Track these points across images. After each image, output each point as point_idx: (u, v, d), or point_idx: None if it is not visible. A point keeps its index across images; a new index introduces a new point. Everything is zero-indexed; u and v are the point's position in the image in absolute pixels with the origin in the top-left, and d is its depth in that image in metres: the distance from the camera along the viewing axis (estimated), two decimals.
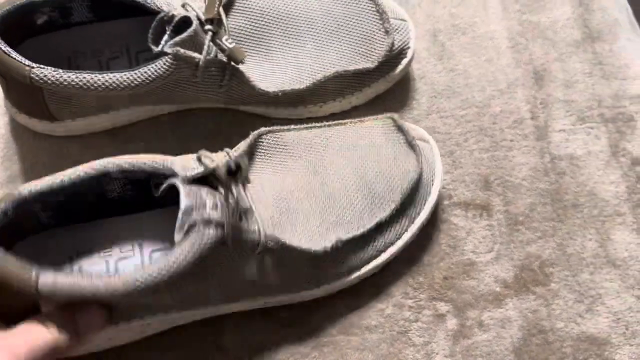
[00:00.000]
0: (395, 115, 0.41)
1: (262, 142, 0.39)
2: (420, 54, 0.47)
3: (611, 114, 0.46)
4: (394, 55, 0.43)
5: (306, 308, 0.38)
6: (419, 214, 0.40)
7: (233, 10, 0.42)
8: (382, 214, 0.38)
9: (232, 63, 0.39)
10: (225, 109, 0.44)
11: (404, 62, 0.44)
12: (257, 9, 0.42)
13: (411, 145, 0.40)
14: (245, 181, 0.35)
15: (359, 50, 0.42)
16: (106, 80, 0.36)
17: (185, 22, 0.37)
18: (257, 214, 0.34)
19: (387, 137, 0.40)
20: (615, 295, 0.40)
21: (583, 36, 0.48)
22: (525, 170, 0.44)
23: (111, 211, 0.36)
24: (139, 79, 0.37)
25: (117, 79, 0.36)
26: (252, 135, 0.38)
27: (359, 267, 0.38)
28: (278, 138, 0.39)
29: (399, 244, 0.39)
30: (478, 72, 0.46)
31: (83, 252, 0.35)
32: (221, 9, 0.39)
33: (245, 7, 0.42)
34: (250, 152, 0.38)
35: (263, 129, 0.39)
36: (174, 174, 0.32)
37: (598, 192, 0.43)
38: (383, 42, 0.42)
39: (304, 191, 0.37)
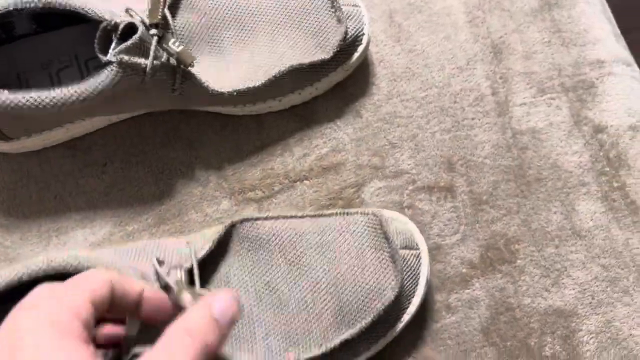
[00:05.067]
0: (384, 216, 0.37)
1: (235, 231, 0.37)
2: (378, 36, 0.46)
3: (572, 83, 0.46)
4: (349, 44, 0.42)
5: None
6: (392, 328, 0.37)
7: (181, 10, 0.41)
8: (349, 332, 0.34)
9: (182, 66, 0.38)
10: (181, 110, 0.43)
11: (360, 49, 0.43)
12: (206, 7, 0.41)
13: (393, 259, 0.36)
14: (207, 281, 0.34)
15: (313, 42, 0.42)
16: (54, 97, 0.36)
17: (132, 28, 0.36)
18: None
19: (371, 239, 0.37)
20: (581, 266, 0.41)
21: (541, 4, 0.47)
22: (487, 148, 0.44)
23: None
24: (86, 92, 0.36)
25: (65, 95, 0.36)
26: (224, 227, 0.36)
27: None
28: (253, 228, 0.37)
29: (365, 355, 0.36)
30: (436, 50, 0.46)
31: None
32: (167, 11, 0.38)
33: (194, 6, 0.41)
34: (220, 244, 0.36)
35: (236, 219, 0.37)
36: None
37: (561, 163, 0.44)
38: (336, 31, 0.41)
39: (272, 296, 0.36)
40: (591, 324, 0.39)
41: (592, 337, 0.39)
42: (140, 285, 0.28)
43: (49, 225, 0.42)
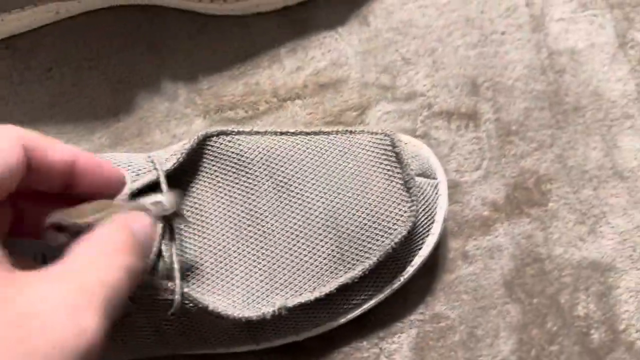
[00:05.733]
0: (396, 136, 0.30)
1: (210, 147, 0.29)
2: None
3: None
4: None
5: None
6: (400, 273, 0.30)
7: None
8: (349, 274, 0.28)
9: None
10: (145, 7, 0.35)
11: None
12: None
13: (407, 185, 0.29)
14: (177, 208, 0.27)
15: None
16: None
17: None
18: (177, 262, 0.26)
19: (379, 164, 0.29)
20: (621, 212, 0.34)
21: None
22: (519, 68, 0.36)
23: None
24: None
25: None
26: (197, 137, 0.28)
27: (309, 329, 0.30)
28: (232, 144, 0.29)
29: (366, 305, 0.30)
30: None
31: None
32: None
33: None
34: (192, 160, 0.29)
35: (212, 129, 0.29)
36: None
37: (603, 91, 0.36)
38: None
39: (255, 228, 0.29)
40: (631, 280, 0.33)
41: (631, 296, 0.33)
42: (69, 151, 0.22)
43: None
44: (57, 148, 0.22)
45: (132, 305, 0.25)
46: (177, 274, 0.25)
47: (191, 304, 0.26)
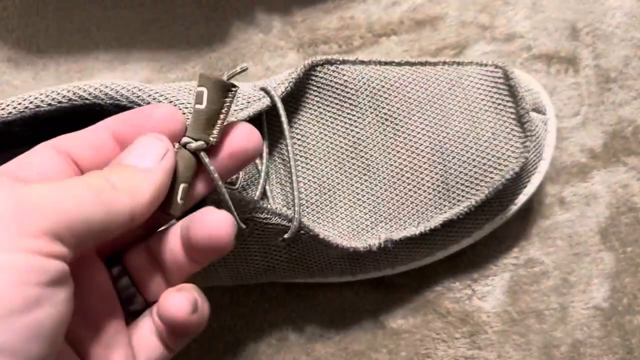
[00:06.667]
0: (509, 67, 0.28)
1: (315, 76, 0.28)
2: None
3: None
4: None
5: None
6: (503, 210, 0.29)
7: None
8: (454, 210, 0.28)
9: None
10: None
11: None
12: None
13: (521, 121, 0.28)
14: (282, 136, 0.27)
15: None
16: None
17: None
18: (296, 189, 0.26)
19: (490, 97, 0.28)
20: None
21: None
22: (619, 15, 0.35)
23: None
24: None
25: None
26: (303, 65, 0.28)
27: (406, 262, 0.30)
28: (337, 74, 0.29)
29: (465, 242, 0.30)
30: None
31: None
32: None
33: None
34: (297, 89, 0.28)
35: (318, 58, 0.28)
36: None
37: None
38: None
39: (359, 160, 0.28)
40: None
41: None
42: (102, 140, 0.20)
43: (70, 64, 0.33)
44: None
45: (247, 230, 0.25)
46: (296, 201, 0.25)
47: (303, 232, 0.26)
